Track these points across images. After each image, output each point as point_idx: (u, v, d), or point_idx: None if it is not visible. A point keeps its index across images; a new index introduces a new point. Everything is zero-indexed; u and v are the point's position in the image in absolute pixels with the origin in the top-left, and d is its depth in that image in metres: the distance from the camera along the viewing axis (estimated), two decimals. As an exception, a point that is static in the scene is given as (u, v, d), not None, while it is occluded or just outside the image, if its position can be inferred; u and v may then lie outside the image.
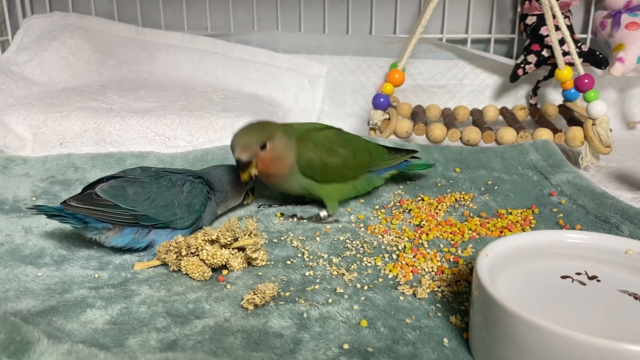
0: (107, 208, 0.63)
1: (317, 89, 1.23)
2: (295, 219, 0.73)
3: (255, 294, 0.52)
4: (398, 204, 0.78)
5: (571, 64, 1.01)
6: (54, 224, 0.71)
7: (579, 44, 1.08)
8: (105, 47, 1.27)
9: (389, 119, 1.02)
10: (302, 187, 0.73)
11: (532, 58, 1.11)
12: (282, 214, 0.74)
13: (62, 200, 0.78)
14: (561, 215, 0.72)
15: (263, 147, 0.68)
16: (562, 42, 1.02)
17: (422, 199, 0.78)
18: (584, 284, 0.47)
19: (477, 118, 1.10)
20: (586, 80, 0.96)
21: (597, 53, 1.10)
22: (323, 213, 0.73)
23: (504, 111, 1.14)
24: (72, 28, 1.25)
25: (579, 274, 0.49)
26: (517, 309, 0.40)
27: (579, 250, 0.51)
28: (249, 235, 0.60)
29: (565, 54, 1.02)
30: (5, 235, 0.68)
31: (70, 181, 0.86)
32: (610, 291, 0.46)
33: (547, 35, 1.06)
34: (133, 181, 0.66)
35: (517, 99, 1.24)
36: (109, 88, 1.15)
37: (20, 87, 1.12)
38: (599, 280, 0.48)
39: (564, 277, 0.48)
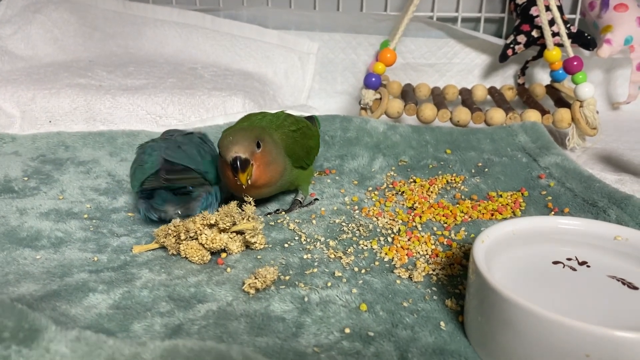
0: (186, 173, 0.64)
1: (308, 66, 1.22)
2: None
3: (256, 278, 0.53)
4: (391, 185, 0.79)
5: (560, 45, 1.02)
6: (48, 205, 0.71)
7: (568, 25, 1.09)
8: (92, 20, 1.25)
9: (380, 98, 1.03)
10: (290, 181, 0.71)
11: (521, 38, 1.12)
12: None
13: (55, 179, 0.78)
14: (550, 198, 0.73)
15: (258, 146, 0.63)
16: (551, 22, 1.02)
17: (414, 181, 0.80)
18: (574, 269, 0.49)
19: (466, 97, 1.11)
20: (575, 63, 0.97)
21: (586, 34, 1.11)
22: (300, 196, 0.73)
23: (492, 91, 1.15)
24: (56, 0, 1.22)
25: (569, 259, 0.51)
26: (513, 295, 0.42)
27: (570, 235, 0.53)
28: (248, 219, 0.61)
29: (554, 34, 1.02)
30: (0, 217, 0.67)
31: (62, 160, 0.85)
32: (600, 277, 0.48)
33: (537, 16, 1.06)
34: (175, 141, 0.68)
35: (505, 79, 1.25)
36: (96, 64, 1.14)
37: (5, 61, 1.10)
38: (588, 266, 0.50)
39: (555, 263, 0.50)
